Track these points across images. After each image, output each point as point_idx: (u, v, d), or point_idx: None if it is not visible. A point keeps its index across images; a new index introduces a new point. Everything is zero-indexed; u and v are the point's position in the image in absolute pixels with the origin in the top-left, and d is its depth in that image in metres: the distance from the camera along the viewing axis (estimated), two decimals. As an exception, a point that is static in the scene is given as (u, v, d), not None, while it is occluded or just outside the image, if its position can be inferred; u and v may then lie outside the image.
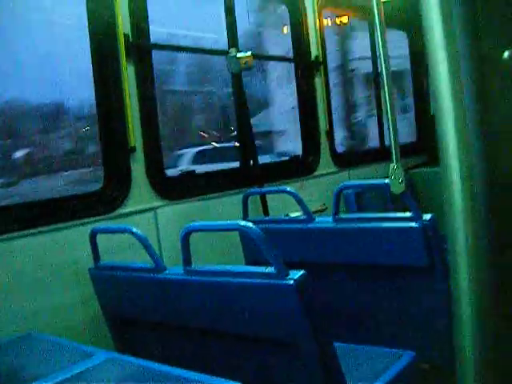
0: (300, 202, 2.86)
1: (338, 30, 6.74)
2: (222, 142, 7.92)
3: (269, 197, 3.47)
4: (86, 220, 2.55)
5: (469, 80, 0.65)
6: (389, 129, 2.46)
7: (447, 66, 0.65)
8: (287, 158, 4.45)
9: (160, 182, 2.95)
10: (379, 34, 2.40)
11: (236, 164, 3.70)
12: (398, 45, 5.81)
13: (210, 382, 1.54)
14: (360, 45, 6.17)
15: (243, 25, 4.05)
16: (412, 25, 5.53)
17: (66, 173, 5.28)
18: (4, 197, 3.97)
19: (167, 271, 2.09)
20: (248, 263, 2.95)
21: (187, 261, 1.98)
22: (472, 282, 0.67)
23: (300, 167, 4.14)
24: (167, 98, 6.98)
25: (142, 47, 2.87)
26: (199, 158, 8.06)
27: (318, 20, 4.22)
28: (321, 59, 4.24)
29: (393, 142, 2.43)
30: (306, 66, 4.19)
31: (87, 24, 2.70)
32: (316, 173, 4.15)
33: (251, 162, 3.53)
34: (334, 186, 2.90)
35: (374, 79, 5.41)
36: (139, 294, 2.22)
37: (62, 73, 3.86)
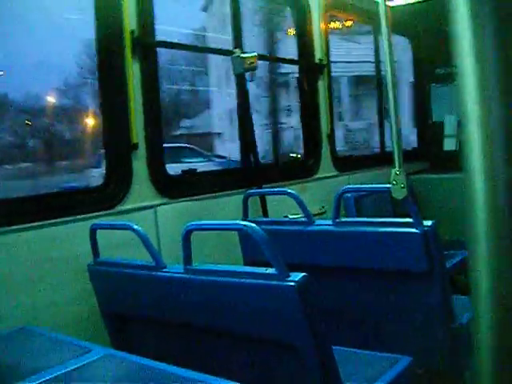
0: (301, 204, 2.86)
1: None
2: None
3: (267, 198, 3.47)
4: (85, 215, 2.54)
5: (496, 88, 0.65)
6: (392, 134, 2.46)
7: (475, 72, 0.65)
8: (286, 159, 4.47)
9: (161, 180, 2.95)
10: (385, 39, 2.40)
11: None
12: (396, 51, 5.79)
13: (206, 380, 1.53)
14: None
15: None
16: (415, 30, 5.53)
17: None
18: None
19: (167, 269, 2.08)
20: (247, 263, 2.94)
21: (188, 259, 1.98)
22: (494, 282, 0.67)
23: (301, 169, 4.14)
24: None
25: (147, 44, 2.87)
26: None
27: (322, 23, 4.23)
28: (325, 62, 4.25)
29: (396, 147, 2.43)
30: (309, 68, 4.19)
31: (94, 19, 2.70)
32: (316, 176, 4.15)
33: (252, 162, 3.52)
34: (334, 189, 2.90)
35: (376, 84, 5.42)
36: (138, 291, 2.21)
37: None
